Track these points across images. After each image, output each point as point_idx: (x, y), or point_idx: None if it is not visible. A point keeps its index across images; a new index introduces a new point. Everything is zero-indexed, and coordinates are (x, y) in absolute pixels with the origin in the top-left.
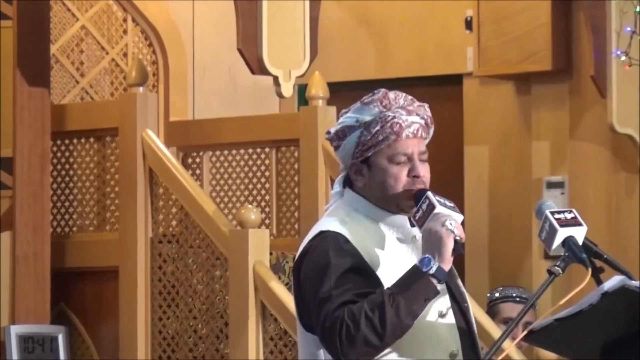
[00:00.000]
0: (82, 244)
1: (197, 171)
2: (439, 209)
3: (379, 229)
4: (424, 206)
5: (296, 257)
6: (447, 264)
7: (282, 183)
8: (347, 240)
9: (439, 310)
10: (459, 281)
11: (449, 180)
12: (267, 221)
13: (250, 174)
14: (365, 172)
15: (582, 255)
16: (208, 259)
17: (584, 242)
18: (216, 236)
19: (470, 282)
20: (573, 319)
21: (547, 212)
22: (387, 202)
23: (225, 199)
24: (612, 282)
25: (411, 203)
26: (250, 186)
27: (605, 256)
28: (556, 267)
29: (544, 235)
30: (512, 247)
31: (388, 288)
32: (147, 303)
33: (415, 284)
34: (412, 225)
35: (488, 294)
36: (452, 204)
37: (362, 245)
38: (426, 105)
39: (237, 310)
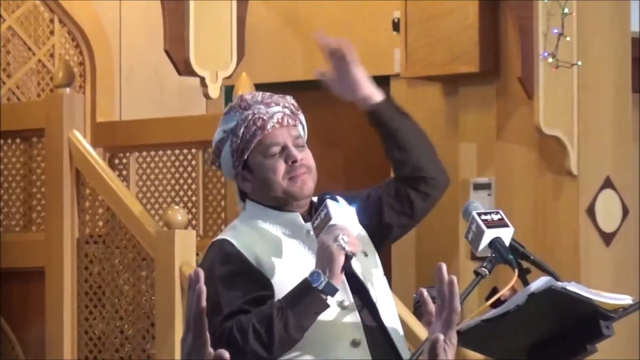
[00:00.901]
0: (8, 244)
1: (124, 172)
2: (335, 220)
3: (272, 229)
4: (322, 214)
5: None
6: (337, 280)
7: (209, 184)
8: (232, 245)
9: (337, 301)
10: (366, 279)
11: (378, 180)
12: (193, 222)
13: (177, 175)
14: (249, 176)
15: (509, 256)
16: (134, 260)
17: (510, 243)
18: (143, 237)
19: (397, 283)
20: (500, 320)
21: (474, 213)
22: (277, 198)
23: (152, 200)
24: (539, 283)
25: (300, 195)
26: (177, 187)
27: (531, 257)
28: (483, 268)
29: (470, 236)
30: (439, 248)
31: (278, 301)
32: (74, 304)
33: (305, 299)
34: (306, 221)
35: (414, 295)
36: (351, 212)
37: (250, 248)
38: (288, 96)
39: (164, 310)
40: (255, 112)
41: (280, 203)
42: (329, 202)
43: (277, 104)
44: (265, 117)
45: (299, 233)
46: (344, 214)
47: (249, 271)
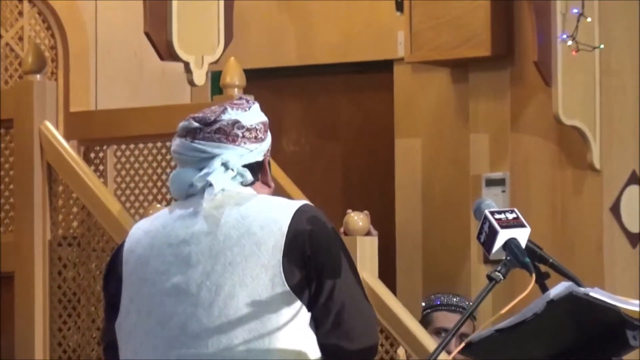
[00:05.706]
0: None
1: (101, 167)
2: None
3: None
4: None
5: (289, 226)
6: None
7: None
8: None
9: None
10: None
11: (379, 176)
12: None
13: (159, 170)
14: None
15: (525, 259)
16: None
17: (527, 245)
18: (121, 238)
19: (402, 286)
20: (515, 330)
21: (487, 212)
22: None
23: (132, 198)
24: (559, 288)
25: None
26: (159, 183)
27: (550, 260)
28: (497, 273)
29: (483, 237)
30: (448, 250)
31: None
32: (46, 312)
33: None
34: None
35: (422, 302)
36: None
37: None
38: None
39: None
40: None
41: None
42: None
43: None
44: None
45: None
46: None
47: None
